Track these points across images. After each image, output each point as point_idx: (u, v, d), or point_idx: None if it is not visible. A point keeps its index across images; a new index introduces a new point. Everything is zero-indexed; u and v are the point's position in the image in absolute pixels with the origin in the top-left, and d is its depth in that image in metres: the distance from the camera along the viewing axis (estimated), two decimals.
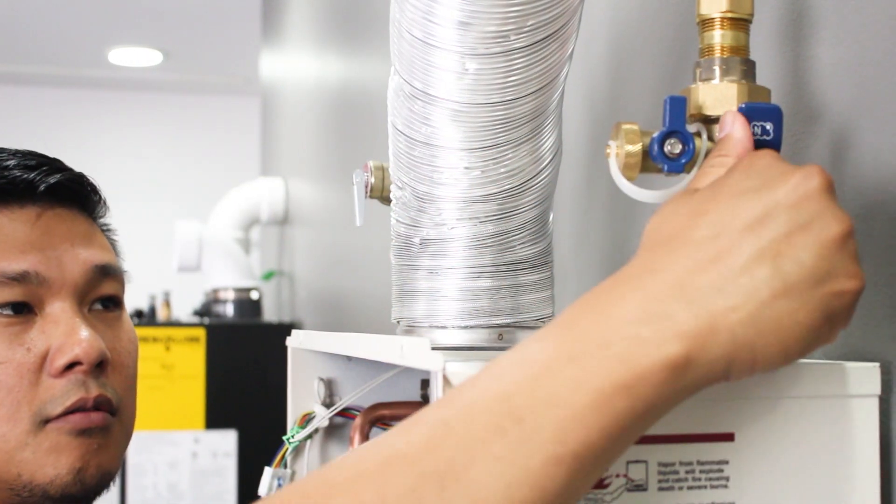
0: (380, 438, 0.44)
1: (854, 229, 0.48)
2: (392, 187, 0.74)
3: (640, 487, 0.52)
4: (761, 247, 0.46)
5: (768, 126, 0.56)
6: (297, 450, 0.88)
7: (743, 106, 0.56)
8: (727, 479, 0.53)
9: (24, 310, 0.79)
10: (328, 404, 0.88)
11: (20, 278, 0.79)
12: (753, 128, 0.56)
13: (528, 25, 0.62)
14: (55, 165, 0.85)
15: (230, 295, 3.34)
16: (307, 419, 0.87)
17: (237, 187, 3.62)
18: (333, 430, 0.90)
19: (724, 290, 0.45)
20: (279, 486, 0.87)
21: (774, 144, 0.56)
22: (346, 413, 0.87)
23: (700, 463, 0.52)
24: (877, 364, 0.56)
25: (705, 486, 0.52)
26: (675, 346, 0.43)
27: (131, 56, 5.10)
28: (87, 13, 4.43)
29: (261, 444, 2.65)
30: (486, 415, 0.42)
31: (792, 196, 0.47)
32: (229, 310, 3.33)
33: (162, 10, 4.39)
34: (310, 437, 0.87)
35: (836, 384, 0.55)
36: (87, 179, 0.87)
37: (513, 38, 0.62)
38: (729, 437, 0.53)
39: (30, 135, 5.50)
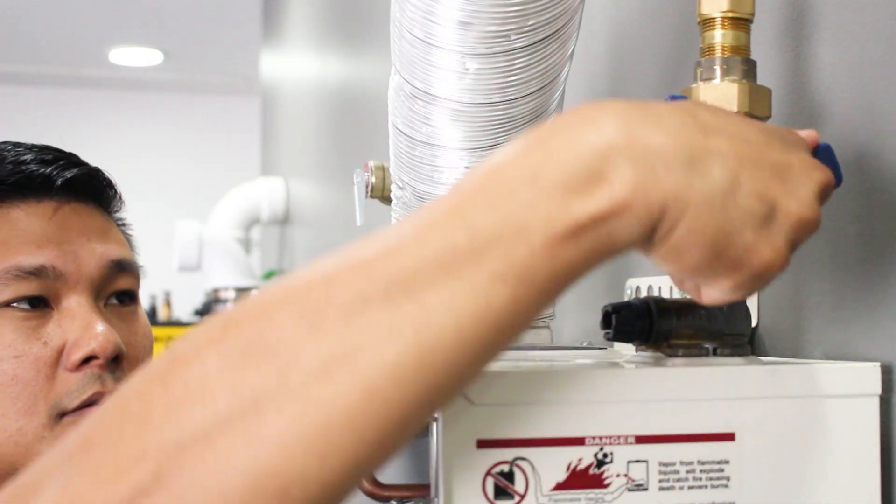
0: (344, 249, 0.43)
1: (816, 225, 0.48)
2: (393, 187, 0.74)
3: (641, 487, 0.52)
4: (734, 150, 0.46)
5: None
6: None
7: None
8: (728, 478, 0.53)
9: (40, 304, 0.80)
10: None
11: (37, 273, 0.79)
12: None
13: (529, 25, 0.62)
14: (72, 160, 0.86)
15: (231, 294, 3.34)
16: None
17: (237, 187, 3.62)
18: None
19: (694, 155, 0.45)
20: None
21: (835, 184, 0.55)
22: None
23: (701, 463, 0.52)
24: (877, 364, 0.56)
25: (706, 486, 0.52)
26: (625, 171, 0.43)
27: (132, 56, 5.11)
28: (88, 13, 4.44)
29: None
30: (431, 218, 0.42)
31: (792, 153, 0.48)
32: None
33: (162, 9, 4.39)
34: None
35: (836, 384, 0.55)
36: (104, 174, 0.88)
37: (513, 37, 0.62)
38: (729, 437, 0.53)
39: (30, 135, 5.47)
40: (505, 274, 0.41)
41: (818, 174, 0.49)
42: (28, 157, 0.84)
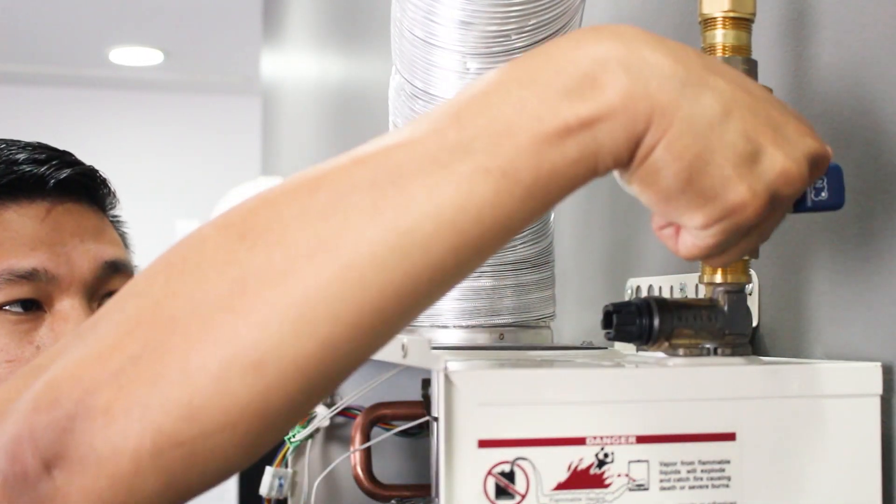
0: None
1: (805, 178, 0.47)
2: None
3: (642, 487, 0.52)
4: (724, 87, 0.46)
5: (820, 182, 0.54)
6: (298, 449, 0.88)
7: None
8: (728, 478, 0.53)
9: (33, 307, 0.79)
10: (329, 404, 0.88)
11: (29, 276, 0.79)
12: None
13: (530, 25, 0.62)
14: (65, 159, 0.85)
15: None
16: (308, 418, 0.87)
17: (238, 187, 3.62)
18: (334, 430, 0.90)
19: (701, 78, 0.45)
20: (280, 485, 0.87)
21: (833, 206, 0.54)
22: (347, 412, 0.87)
23: (701, 462, 0.52)
24: (878, 363, 0.56)
25: (707, 486, 0.52)
26: (619, 77, 0.44)
27: (132, 56, 5.10)
28: (88, 13, 4.44)
29: None
30: (430, 119, 0.44)
31: (792, 117, 0.48)
32: None
33: (163, 9, 4.39)
34: (311, 436, 0.88)
35: (837, 384, 0.55)
36: (98, 172, 0.87)
37: (514, 37, 0.62)
38: (730, 437, 0.53)
39: (31, 134, 5.46)
40: (488, 167, 0.42)
41: (813, 141, 0.48)
42: (21, 156, 0.83)
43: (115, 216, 0.90)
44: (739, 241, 0.48)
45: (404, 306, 0.42)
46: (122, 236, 0.90)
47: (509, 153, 0.42)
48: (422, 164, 0.42)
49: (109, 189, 0.88)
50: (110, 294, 0.84)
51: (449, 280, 0.43)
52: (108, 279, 0.84)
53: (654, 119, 0.44)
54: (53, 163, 0.83)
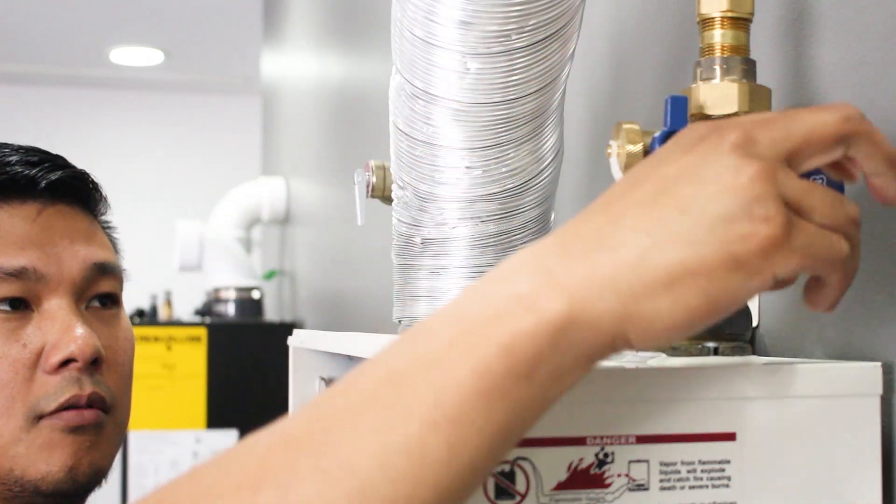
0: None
1: (773, 175, 0.42)
2: (393, 187, 0.74)
3: (642, 487, 0.52)
4: (655, 203, 0.42)
5: (819, 181, 0.54)
6: None
7: None
8: (729, 478, 0.53)
9: (21, 306, 0.80)
10: None
11: (18, 274, 0.79)
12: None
13: (530, 25, 0.62)
14: (57, 162, 0.85)
15: (231, 294, 3.34)
16: None
17: (238, 186, 3.62)
18: None
19: (609, 245, 0.42)
20: None
21: None
22: None
23: (702, 462, 0.52)
24: (878, 363, 0.56)
25: (707, 486, 0.52)
26: (552, 301, 0.40)
27: (132, 55, 5.10)
28: (89, 13, 4.44)
29: None
30: (365, 381, 0.41)
31: (699, 157, 0.43)
32: (231, 309, 3.33)
33: (163, 9, 4.39)
34: None
35: (837, 384, 0.55)
36: (89, 176, 0.88)
37: (514, 37, 0.62)
38: (731, 437, 0.53)
39: (31, 134, 5.48)
40: (436, 420, 0.39)
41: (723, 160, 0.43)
42: (13, 158, 0.83)
43: (106, 221, 0.90)
44: (822, 250, 0.44)
45: None
46: (113, 241, 0.90)
47: (454, 397, 0.39)
48: (364, 432, 0.39)
49: (101, 193, 0.89)
50: (98, 295, 0.84)
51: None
52: (96, 281, 0.84)
53: (624, 314, 0.41)
54: (45, 165, 0.83)
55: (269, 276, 3.82)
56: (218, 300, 3.36)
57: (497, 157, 0.67)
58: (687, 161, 0.44)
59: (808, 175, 0.48)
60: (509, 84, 0.64)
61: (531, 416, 0.41)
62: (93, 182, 0.88)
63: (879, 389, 0.55)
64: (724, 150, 0.43)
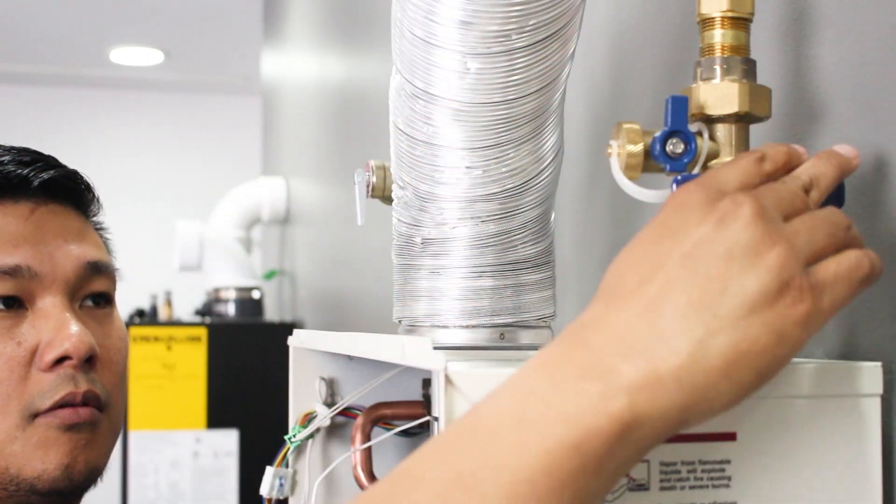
0: None
1: (795, 251, 0.46)
2: (393, 187, 0.74)
3: (642, 487, 0.52)
4: (691, 285, 0.45)
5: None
6: (299, 449, 0.88)
7: None
8: (729, 478, 0.53)
9: (15, 304, 0.80)
10: (330, 404, 0.88)
11: (12, 272, 0.79)
12: None
13: (530, 25, 0.62)
14: (50, 162, 0.85)
15: (231, 294, 3.34)
16: (309, 418, 0.87)
17: (238, 186, 3.62)
18: (335, 430, 0.90)
19: (662, 337, 0.44)
20: (280, 485, 0.87)
21: (835, 205, 0.54)
22: (347, 412, 0.87)
23: (702, 462, 0.52)
24: (879, 363, 0.56)
25: (707, 486, 0.52)
26: (620, 401, 0.42)
27: (132, 55, 5.10)
28: (89, 13, 4.44)
29: (262, 443, 2.65)
30: (434, 485, 0.41)
31: (720, 230, 0.46)
32: (231, 309, 3.33)
33: (163, 9, 4.39)
34: (311, 436, 0.87)
35: (838, 384, 0.55)
36: (81, 176, 0.88)
37: (514, 37, 0.62)
38: (731, 437, 0.53)
39: (31, 134, 5.47)
40: None
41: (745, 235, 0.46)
42: (5, 158, 0.83)
43: (98, 222, 0.90)
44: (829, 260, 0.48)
45: None
46: (106, 242, 0.90)
47: (530, 499, 0.40)
48: None
49: (93, 194, 0.89)
50: (92, 295, 0.85)
51: None
52: (89, 279, 0.84)
53: (688, 404, 0.43)
54: (38, 164, 0.83)
55: (269, 276, 3.82)
56: (218, 300, 3.36)
57: (497, 157, 0.67)
58: (703, 232, 0.46)
59: None
60: (509, 84, 0.64)
61: (600, 498, 0.43)
62: (85, 182, 0.88)
63: (879, 389, 0.55)
64: (741, 219, 0.46)
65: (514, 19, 0.61)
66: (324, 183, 2.77)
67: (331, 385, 0.89)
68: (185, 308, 4.07)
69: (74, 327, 0.80)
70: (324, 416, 0.86)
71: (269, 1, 4.11)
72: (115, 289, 0.88)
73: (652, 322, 0.44)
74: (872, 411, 0.55)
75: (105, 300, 0.86)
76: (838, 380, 0.55)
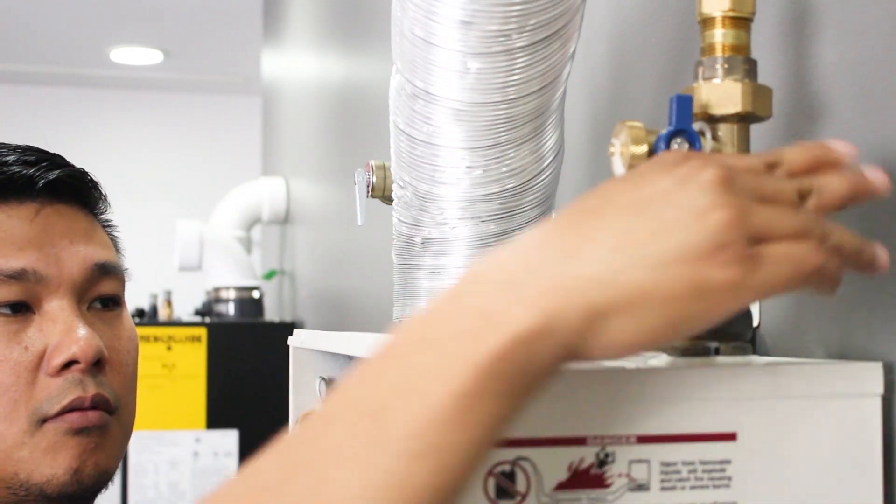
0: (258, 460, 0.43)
1: (743, 221, 0.44)
2: (394, 186, 0.74)
3: (643, 487, 0.52)
4: (629, 225, 0.44)
5: None
6: None
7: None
8: (729, 478, 0.53)
9: (21, 308, 0.79)
10: None
11: (18, 276, 0.78)
12: None
13: (530, 25, 0.62)
14: (55, 161, 0.84)
15: (231, 294, 3.34)
16: None
17: (238, 186, 3.62)
18: None
19: (581, 260, 0.43)
20: None
21: None
22: None
23: (702, 463, 0.52)
24: (879, 363, 0.56)
25: (708, 486, 0.52)
26: (521, 316, 0.41)
27: (132, 55, 5.10)
28: (89, 12, 4.44)
29: (262, 443, 2.65)
30: (342, 417, 0.41)
31: (679, 186, 0.44)
32: (231, 309, 3.33)
33: (163, 9, 4.39)
34: None
35: (838, 383, 0.55)
36: (88, 175, 0.87)
37: (514, 37, 0.62)
38: (731, 437, 0.53)
39: (31, 134, 5.46)
40: (421, 450, 0.39)
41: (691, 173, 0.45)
42: (10, 158, 0.82)
43: (107, 220, 0.89)
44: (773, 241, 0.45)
45: None
46: (114, 240, 0.89)
47: (436, 426, 0.39)
48: (346, 469, 0.39)
49: (100, 192, 0.88)
50: (100, 297, 0.83)
51: None
52: (97, 281, 0.83)
53: (591, 326, 0.42)
54: (43, 164, 0.82)
55: (269, 276, 3.82)
56: (218, 300, 3.36)
57: (497, 157, 0.67)
58: (664, 184, 0.45)
59: None
60: (509, 84, 0.64)
61: (506, 425, 0.42)
62: (92, 181, 0.87)
63: (880, 389, 0.55)
64: (702, 179, 0.44)
65: (514, 19, 0.61)
66: (324, 183, 2.77)
67: (331, 385, 0.89)
68: (185, 308, 4.07)
69: (82, 331, 0.79)
70: None
71: (269, 1, 4.11)
72: (124, 290, 0.87)
73: (577, 246, 0.43)
74: (872, 411, 0.55)
75: (114, 302, 0.85)
76: (838, 380, 0.55)
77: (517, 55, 0.63)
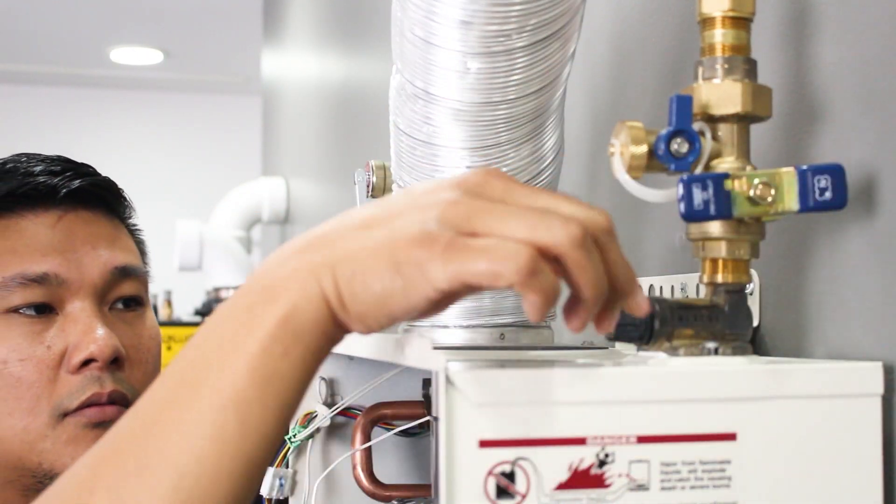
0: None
1: (457, 206, 0.47)
2: (394, 186, 0.74)
3: (643, 487, 0.52)
4: (369, 213, 0.49)
5: (823, 181, 0.56)
6: (299, 449, 0.88)
7: (804, 167, 0.57)
8: (729, 478, 0.53)
9: (45, 310, 0.84)
10: (330, 404, 0.88)
11: (41, 280, 0.83)
12: (813, 183, 0.56)
13: (530, 25, 0.62)
14: (80, 170, 0.89)
15: (231, 294, 3.34)
16: (309, 418, 0.87)
17: (238, 186, 3.62)
18: (335, 430, 0.90)
19: (314, 242, 0.50)
20: (281, 485, 0.87)
21: (836, 206, 0.56)
22: (347, 412, 0.87)
23: (702, 463, 0.52)
24: (879, 363, 0.56)
25: (707, 486, 0.52)
26: (289, 293, 0.49)
27: (132, 55, 5.11)
28: (88, 13, 4.44)
29: None
30: (167, 384, 0.50)
31: (423, 185, 0.50)
32: None
33: (163, 9, 4.39)
34: (311, 436, 0.88)
35: (838, 383, 0.55)
36: (112, 183, 0.91)
37: (514, 37, 0.62)
38: (731, 437, 0.53)
39: (31, 134, 5.49)
40: (223, 404, 0.48)
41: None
42: (38, 168, 0.87)
43: (133, 225, 0.94)
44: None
45: None
46: (140, 244, 0.95)
47: (228, 382, 0.48)
48: (170, 429, 0.48)
49: (125, 199, 0.93)
50: (122, 298, 0.88)
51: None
52: (118, 283, 0.88)
53: (330, 294, 0.48)
54: (68, 174, 0.87)
55: None
56: (218, 300, 3.36)
57: (497, 157, 0.67)
58: (415, 187, 0.50)
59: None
60: (509, 84, 0.64)
61: (300, 384, 0.50)
62: (115, 188, 0.91)
63: (880, 389, 0.55)
64: (446, 183, 0.49)
65: (514, 19, 0.61)
66: (324, 183, 2.77)
67: (331, 385, 0.89)
68: (185, 308, 4.07)
69: (100, 331, 0.83)
70: (324, 417, 0.86)
71: (269, 1, 4.11)
72: (146, 290, 0.92)
73: (314, 234, 0.50)
74: (872, 411, 0.55)
75: (136, 302, 0.90)
76: (839, 380, 0.55)
77: (517, 55, 0.63)
